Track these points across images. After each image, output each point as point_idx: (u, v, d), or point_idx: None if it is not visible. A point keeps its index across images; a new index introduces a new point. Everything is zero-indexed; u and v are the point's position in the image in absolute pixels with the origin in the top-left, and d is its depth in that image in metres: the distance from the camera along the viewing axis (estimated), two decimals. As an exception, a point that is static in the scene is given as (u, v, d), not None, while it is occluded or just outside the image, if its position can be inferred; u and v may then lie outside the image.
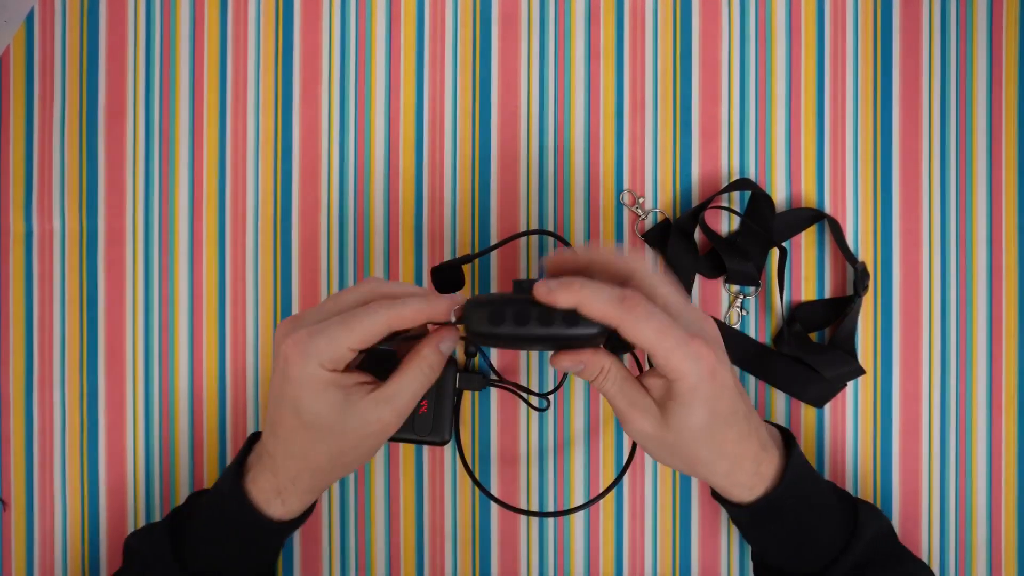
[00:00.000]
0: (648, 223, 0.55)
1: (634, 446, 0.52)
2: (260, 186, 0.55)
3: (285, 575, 0.54)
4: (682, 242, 0.53)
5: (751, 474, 0.44)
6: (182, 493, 0.55)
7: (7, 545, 0.55)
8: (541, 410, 0.54)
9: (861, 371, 0.53)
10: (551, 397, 0.54)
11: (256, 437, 0.47)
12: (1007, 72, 0.55)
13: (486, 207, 0.55)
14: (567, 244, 0.51)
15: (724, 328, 0.54)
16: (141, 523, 0.55)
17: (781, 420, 0.54)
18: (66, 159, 0.55)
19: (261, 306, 0.55)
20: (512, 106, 0.55)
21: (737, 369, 0.54)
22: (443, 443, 0.51)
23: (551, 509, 0.54)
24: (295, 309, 0.55)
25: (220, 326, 0.55)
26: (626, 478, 0.54)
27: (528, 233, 0.51)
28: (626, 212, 0.55)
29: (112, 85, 0.55)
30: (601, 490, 0.54)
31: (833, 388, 0.53)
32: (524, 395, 0.53)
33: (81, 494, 0.55)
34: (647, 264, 0.41)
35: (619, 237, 0.55)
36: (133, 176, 0.55)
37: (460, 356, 0.54)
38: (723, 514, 0.54)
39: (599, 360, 0.41)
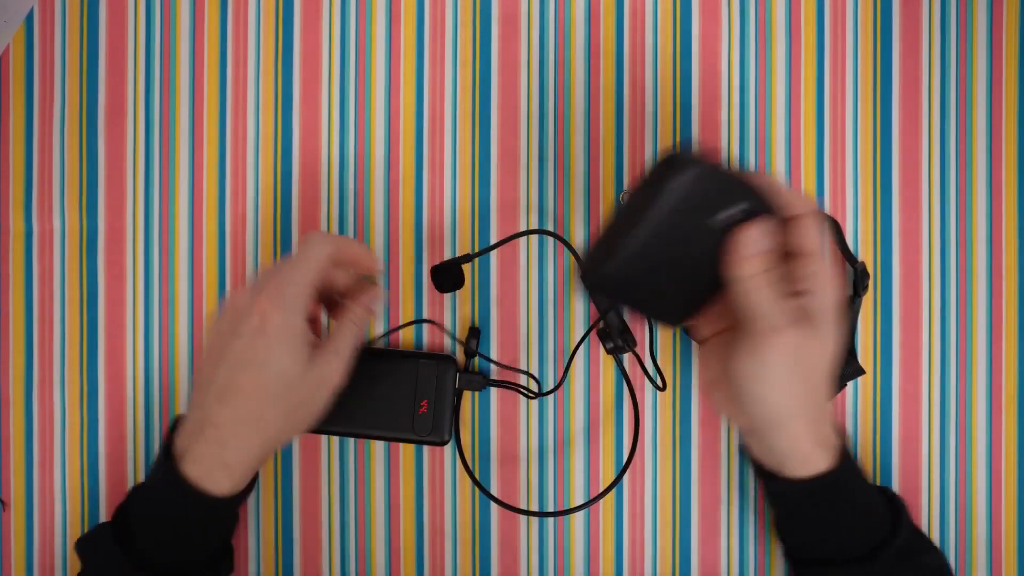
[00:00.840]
0: (648, 223, 0.55)
1: (633, 446, 0.52)
2: (260, 186, 0.55)
3: (285, 575, 0.54)
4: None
5: (811, 445, 0.44)
6: (182, 493, 0.55)
7: (7, 545, 0.55)
8: (542, 395, 0.54)
9: (861, 371, 0.53)
10: (551, 393, 0.54)
11: (180, 420, 0.46)
12: (1007, 72, 0.55)
13: (486, 207, 0.55)
14: (567, 244, 0.51)
15: None
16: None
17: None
18: (66, 159, 0.55)
19: (261, 306, 0.55)
20: (512, 106, 0.55)
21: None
22: (443, 443, 0.51)
23: (551, 509, 0.54)
24: (295, 309, 0.55)
25: (220, 326, 0.55)
26: (626, 478, 0.54)
27: (528, 232, 0.51)
28: (626, 212, 0.55)
29: (112, 85, 0.55)
30: (601, 490, 0.54)
31: (848, 372, 0.53)
32: (524, 391, 0.53)
33: (81, 494, 0.55)
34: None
35: (619, 237, 0.55)
36: (133, 176, 0.55)
37: (460, 356, 0.54)
38: (723, 515, 0.54)
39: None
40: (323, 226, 0.55)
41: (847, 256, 0.53)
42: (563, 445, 0.54)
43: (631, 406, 0.54)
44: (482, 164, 0.55)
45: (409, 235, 0.55)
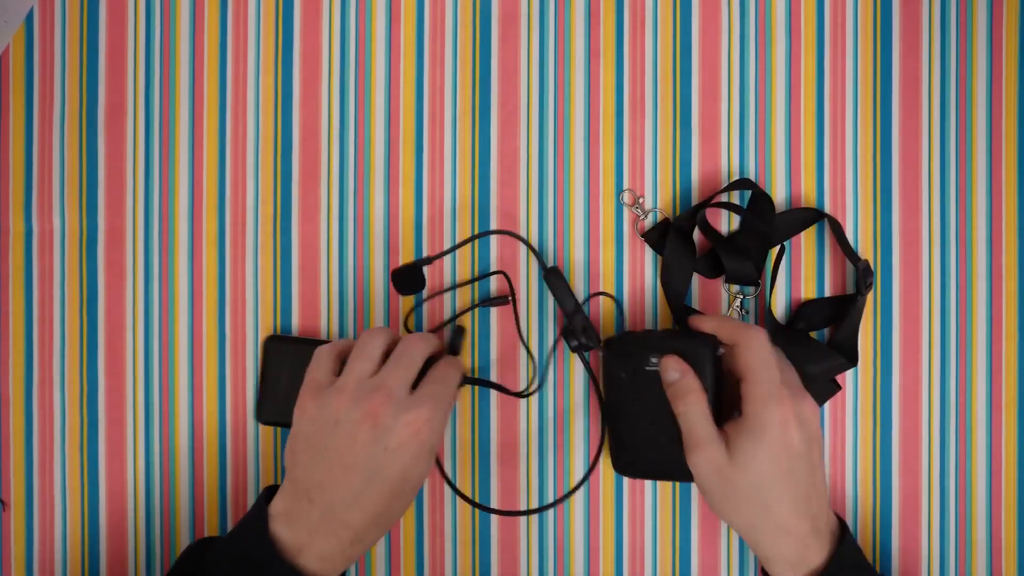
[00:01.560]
0: (648, 223, 0.55)
1: (601, 443, 0.52)
2: (260, 186, 0.55)
3: (285, 575, 0.54)
4: (680, 242, 0.53)
5: (795, 555, 0.45)
6: (182, 493, 0.54)
7: (7, 545, 0.55)
8: (527, 394, 0.54)
9: (848, 366, 0.53)
10: (536, 392, 0.54)
11: (269, 495, 0.46)
12: (1007, 72, 0.55)
13: (486, 207, 0.55)
14: (526, 243, 0.51)
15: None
16: (141, 523, 0.54)
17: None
18: (66, 159, 0.55)
19: (261, 306, 0.55)
20: (512, 106, 0.55)
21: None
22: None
23: (536, 507, 0.54)
24: (295, 309, 0.55)
25: (220, 326, 0.55)
26: (627, 478, 0.54)
27: (488, 233, 0.52)
28: (626, 212, 0.55)
29: (112, 85, 0.55)
30: (574, 485, 0.53)
31: (824, 391, 0.53)
32: (507, 389, 0.53)
33: (81, 494, 0.55)
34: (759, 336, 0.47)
35: (619, 237, 0.55)
36: (133, 176, 0.55)
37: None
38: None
39: (692, 381, 0.47)
40: (323, 226, 0.55)
41: (849, 255, 0.53)
42: (536, 443, 0.54)
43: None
44: (482, 164, 0.55)
45: (409, 235, 0.55)
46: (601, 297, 0.54)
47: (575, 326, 0.51)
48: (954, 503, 0.54)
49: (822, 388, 0.53)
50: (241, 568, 0.44)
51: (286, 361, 0.53)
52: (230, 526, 0.55)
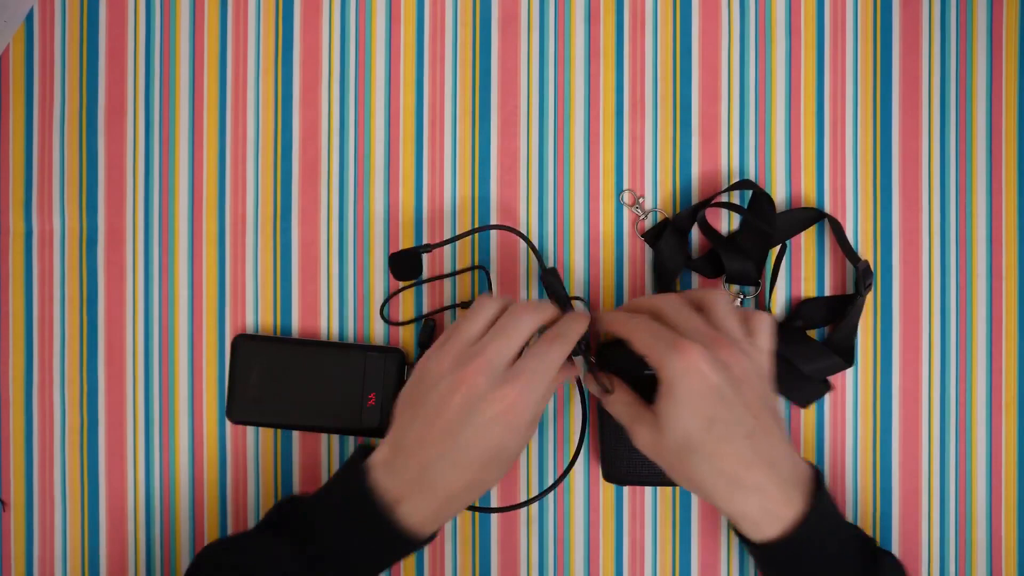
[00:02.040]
0: (648, 223, 0.55)
1: (581, 438, 0.52)
2: (260, 186, 0.55)
3: (285, 575, 0.54)
4: (675, 239, 0.53)
5: (759, 509, 0.43)
6: (182, 492, 0.54)
7: (7, 545, 0.55)
8: None
9: (844, 366, 0.53)
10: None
11: (366, 452, 0.46)
12: (1007, 72, 0.55)
13: (486, 207, 0.55)
14: (525, 239, 0.51)
15: None
16: (141, 523, 0.54)
17: (781, 420, 0.54)
18: (66, 159, 0.55)
19: (261, 306, 0.55)
20: (512, 106, 0.55)
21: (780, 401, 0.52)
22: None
23: (550, 508, 0.54)
24: (295, 309, 0.55)
25: (220, 326, 0.55)
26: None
27: (490, 227, 0.51)
28: (626, 212, 0.55)
29: (112, 85, 0.55)
30: (557, 478, 0.53)
31: (816, 390, 0.53)
32: None
33: (81, 494, 0.55)
34: (669, 299, 0.47)
35: (619, 237, 0.55)
36: (133, 176, 0.55)
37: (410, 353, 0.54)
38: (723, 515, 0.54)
39: (605, 376, 0.48)
40: (323, 226, 0.55)
41: (849, 255, 0.53)
42: (535, 444, 0.54)
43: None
44: (482, 164, 0.55)
45: (409, 235, 0.55)
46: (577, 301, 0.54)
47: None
48: (954, 503, 0.54)
49: (813, 388, 0.53)
50: (338, 515, 0.44)
51: (256, 360, 0.53)
52: (230, 526, 0.55)
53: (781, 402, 0.54)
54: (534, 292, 0.55)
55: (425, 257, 0.55)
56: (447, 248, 0.55)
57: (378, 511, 0.43)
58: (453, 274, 0.54)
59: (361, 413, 0.51)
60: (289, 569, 0.44)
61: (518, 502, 0.54)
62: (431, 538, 0.45)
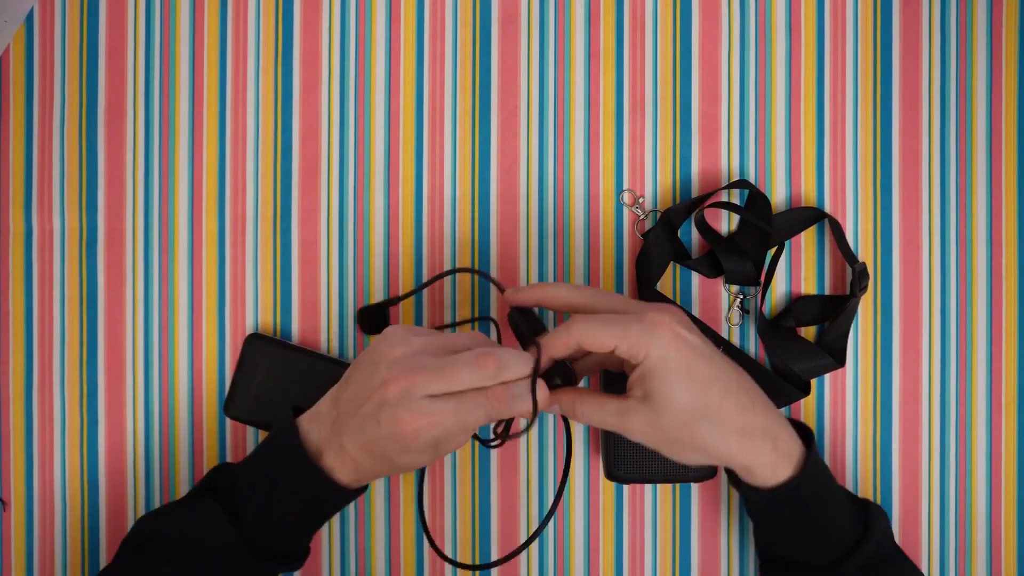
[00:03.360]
0: (648, 223, 0.55)
1: (560, 489, 0.47)
2: (260, 186, 0.55)
3: (285, 575, 0.54)
4: (664, 231, 0.53)
5: (771, 451, 0.43)
6: (182, 492, 0.54)
7: (7, 545, 0.55)
8: (492, 447, 0.50)
9: (835, 366, 0.53)
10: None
11: (309, 415, 0.46)
12: (1007, 72, 0.55)
13: (486, 206, 0.55)
14: (493, 281, 0.47)
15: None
16: (141, 508, 0.54)
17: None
18: (66, 159, 0.55)
19: (261, 306, 0.55)
20: (512, 106, 0.55)
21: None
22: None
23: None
24: (295, 309, 0.55)
25: (220, 326, 0.55)
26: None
27: (452, 272, 0.49)
28: (626, 212, 0.55)
29: (112, 85, 0.55)
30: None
31: (789, 394, 0.53)
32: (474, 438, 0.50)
33: (81, 494, 0.55)
34: (584, 291, 0.45)
35: (619, 237, 0.55)
36: (133, 176, 0.55)
37: None
38: (723, 514, 0.54)
39: (565, 396, 0.44)
40: (323, 226, 0.55)
41: (847, 256, 0.53)
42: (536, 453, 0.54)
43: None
44: (482, 164, 0.55)
45: (409, 235, 0.55)
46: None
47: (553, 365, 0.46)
48: (954, 503, 0.54)
49: (787, 391, 0.53)
50: (268, 467, 0.45)
51: (263, 361, 0.53)
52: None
53: None
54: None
55: (424, 264, 0.55)
56: (446, 252, 0.55)
57: (305, 458, 0.44)
58: (455, 324, 0.53)
59: None
60: (221, 530, 0.44)
61: (518, 500, 0.54)
62: (359, 492, 0.46)
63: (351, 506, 0.54)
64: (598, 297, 0.45)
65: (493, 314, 0.55)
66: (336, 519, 0.54)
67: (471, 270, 0.48)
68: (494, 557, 0.54)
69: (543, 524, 0.45)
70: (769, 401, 0.45)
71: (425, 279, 0.55)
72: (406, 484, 0.54)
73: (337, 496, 0.45)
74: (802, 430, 0.47)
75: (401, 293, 0.54)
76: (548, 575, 0.54)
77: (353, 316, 0.55)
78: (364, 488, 0.47)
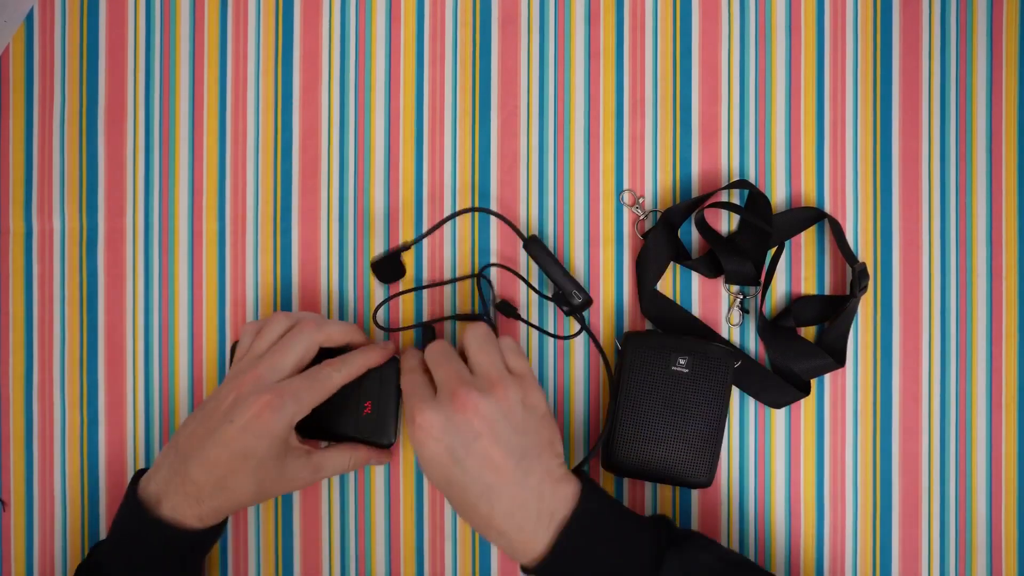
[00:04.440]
0: (648, 223, 0.55)
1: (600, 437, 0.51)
2: (260, 186, 0.55)
3: (285, 575, 0.54)
4: (664, 231, 0.53)
5: (506, 548, 0.46)
6: (182, 493, 0.55)
7: (7, 545, 0.55)
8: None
9: (835, 366, 0.53)
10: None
11: (146, 472, 0.48)
12: (1007, 72, 0.55)
13: (485, 206, 0.55)
14: (500, 216, 0.52)
15: (678, 316, 0.54)
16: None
17: (780, 417, 0.54)
18: (66, 159, 0.55)
19: (261, 306, 0.55)
20: (512, 106, 0.55)
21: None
22: (388, 445, 0.51)
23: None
24: (295, 309, 0.55)
25: (220, 326, 0.55)
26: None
27: (459, 213, 0.52)
28: (626, 212, 0.55)
29: (112, 85, 0.55)
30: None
31: (789, 394, 0.53)
32: None
33: (81, 494, 0.55)
34: (475, 336, 0.48)
35: (619, 237, 0.55)
36: (133, 176, 0.55)
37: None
38: (724, 512, 0.54)
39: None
40: (323, 226, 0.55)
41: (847, 256, 0.53)
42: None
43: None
44: (482, 164, 0.55)
45: (409, 235, 0.55)
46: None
47: (565, 288, 0.51)
48: (954, 503, 0.54)
49: (785, 391, 0.53)
50: (117, 535, 0.47)
51: None
52: (229, 527, 0.55)
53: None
54: (534, 297, 0.54)
55: (424, 259, 0.55)
56: (446, 252, 0.55)
57: (143, 512, 0.45)
58: (453, 281, 0.54)
59: (357, 422, 0.51)
60: None
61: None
62: (215, 531, 0.48)
63: (351, 506, 0.54)
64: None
65: (529, 281, 0.55)
66: (336, 519, 0.54)
67: (484, 210, 0.51)
68: (494, 569, 0.54)
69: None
70: (526, 505, 0.44)
71: (425, 280, 0.55)
72: (406, 484, 0.54)
73: (187, 541, 0.46)
74: (577, 492, 0.45)
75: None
76: (548, 575, 0.54)
77: (352, 316, 0.55)
78: (215, 530, 0.48)
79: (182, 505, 0.46)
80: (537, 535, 0.44)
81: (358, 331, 0.51)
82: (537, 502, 0.45)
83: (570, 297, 0.51)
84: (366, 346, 0.51)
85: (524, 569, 0.46)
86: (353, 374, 0.49)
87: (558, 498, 0.45)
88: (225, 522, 0.49)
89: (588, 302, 0.51)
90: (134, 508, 0.46)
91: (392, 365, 0.51)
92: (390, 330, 0.54)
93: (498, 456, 0.44)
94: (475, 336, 0.48)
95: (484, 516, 0.45)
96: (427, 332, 0.53)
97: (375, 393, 0.51)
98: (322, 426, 0.51)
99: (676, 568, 0.44)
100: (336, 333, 0.50)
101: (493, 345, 0.48)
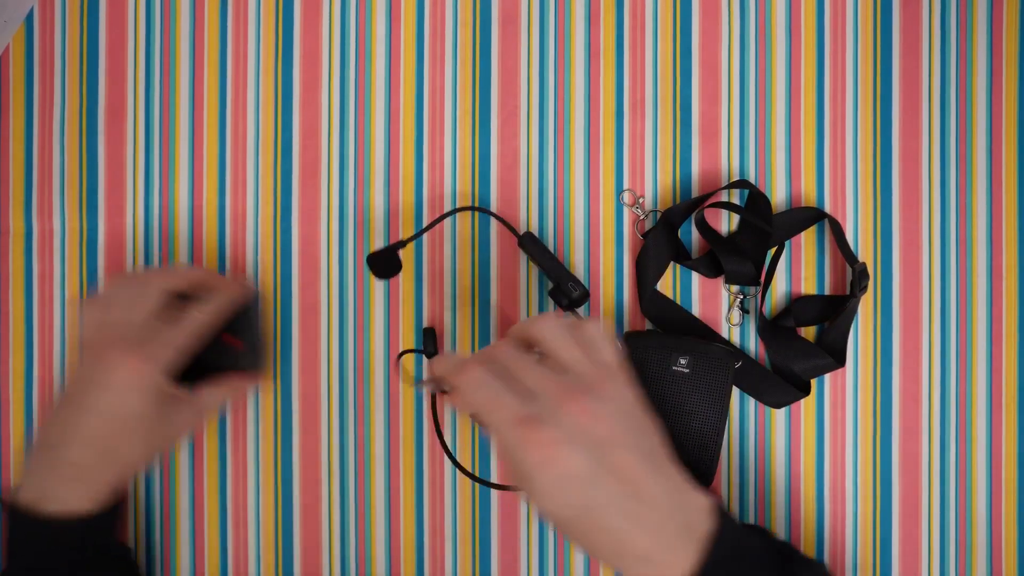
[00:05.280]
0: (648, 223, 0.55)
1: None
2: (260, 186, 0.55)
3: (285, 575, 0.54)
4: (664, 231, 0.53)
5: (651, 574, 0.38)
6: (182, 491, 0.55)
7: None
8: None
9: (835, 366, 0.53)
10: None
11: (17, 487, 0.46)
12: (1007, 72, 0.55)
13: (485, 206, 0.55)
14: (493, 215, 0.52)
15: (680, 318, 0.53)
16: (141, 524, 0.54)
17: (780, 417, 0.54)
18: (66, 159, 0.55)
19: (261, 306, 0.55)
20: (512, 106, 0.55)
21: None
22: (263, 372, 0.52)
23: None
24: (295, 309, 0.55)
25: (220, 326, 0.55)
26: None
27: (453, 212, 0.52)
28: (626, 212, 0.55)
29: (112, 85, 0.55)
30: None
31: (789, 394, 0.53)
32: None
33: (81, 494, 0.55)
34: (550, 328, 0.41)
35: (619, 237, 0.55)
36: (133, 176, 0.55)
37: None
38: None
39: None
40: (323, 226, 0.55)
41: (847, 256, 0.53)
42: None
43: None
44: (482, 164, 0.55)
45: (410, 235, 0.55)
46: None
47: (561, 281, 0.51)
48: (954, 503, 0.54)
49: (786, 391, 0.53)
50: (8, 554, 0.45)
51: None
52: (229, 527, 0.55)
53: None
54: (534, 296, 0.55)
55: (424, 259, 0.55)
56: (446, 251, 0.55)
57: (25, 519, 0.43)
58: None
59: (236, 360, 0.51)
60: None
61: (519, 522, 0.54)
62: (115, 511, 0.46)
63: (351, 505, 0.54)
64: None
65: (530, 280, 0.55)
66: (336, 519, 0.54)
67: (483, 209, 0.51)
68: (494, 569, 0.54)
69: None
70: (667, 519, 0.38)
71: (425, 279, 0.55)
72: (406, 484, 0.54)
73: (75, 533, 0.44)
74: (713, 509, 0.41)
75: (407, 238, 0.54)
76: (548, 573, 0.54)
77: (352, 316, 0.55)
78: (113, 510, 0.46)
79: (66, 493, 0.43)
80: (680, 555, 0.38)
81: (211, 272, 0.50)
82: (678, 514, 0.38)
83: (567, 290, 0.51)
84: (224, 284, 0.49)
85: None
86: (218, 312, 0.47)
87: (693, 509, 0.39)
88: (125, 500, 0.47)
89: (585, 294, 0.51)
90: (16, 520, 0.44)
91: (253, 298, 0.51)
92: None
93: (632, 464, 0.38)
94: (550, 328, 0.41)
95: (624, 542, 0.38)
96: (428, 334, 0.54)
97: (243, 328, 0.51)
98: (203, 373, 0.50)
99: None
100: (186, 276, 0.48)
101: (575, 335, 0.41)
